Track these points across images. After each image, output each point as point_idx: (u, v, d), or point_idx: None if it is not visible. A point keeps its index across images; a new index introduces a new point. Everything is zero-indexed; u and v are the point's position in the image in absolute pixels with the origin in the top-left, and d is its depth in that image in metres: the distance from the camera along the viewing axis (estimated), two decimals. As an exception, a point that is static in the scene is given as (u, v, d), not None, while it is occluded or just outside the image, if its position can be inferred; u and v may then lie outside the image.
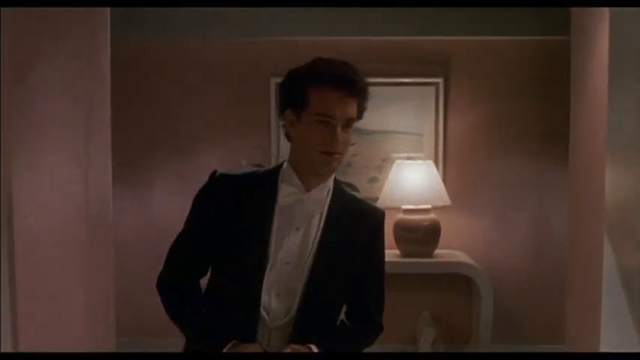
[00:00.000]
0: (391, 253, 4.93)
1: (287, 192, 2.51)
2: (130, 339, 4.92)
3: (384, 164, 5.14)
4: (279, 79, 4.99)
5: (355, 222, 2.59)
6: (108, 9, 3.78)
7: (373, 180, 5.16)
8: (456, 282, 5.07)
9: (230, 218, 2.51)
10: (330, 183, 2.59)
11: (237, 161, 5.03)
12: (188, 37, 5.11)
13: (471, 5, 4.65)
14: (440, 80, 5.13)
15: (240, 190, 2.53)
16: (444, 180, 5.08)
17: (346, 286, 2.60)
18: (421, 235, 4.84)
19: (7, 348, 2.75)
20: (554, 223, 5.10)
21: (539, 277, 5.13)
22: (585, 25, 3.60)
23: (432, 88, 5.14)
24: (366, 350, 2.73)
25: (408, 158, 4.98)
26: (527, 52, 5.07)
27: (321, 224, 2.54)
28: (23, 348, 2.79)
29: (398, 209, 4.92)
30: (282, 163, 2.58)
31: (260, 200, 2.52)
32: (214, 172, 2.56)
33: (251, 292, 2.50)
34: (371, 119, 5.09)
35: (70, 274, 3.25)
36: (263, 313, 2.51)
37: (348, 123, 2.47)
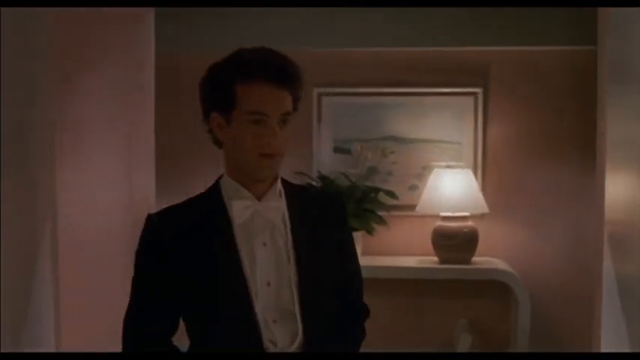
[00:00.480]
0: (429, 260, 5.01)
1: (240, 207, 2.22)
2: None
3: (423, 172, 5.21)
4: (322, 90, 5.27)
5: (318, 213, 2.36)
6: (152, 22, 3.93)
7: (413, 188, 5.24)
8: (494, 289, 5.11)
9: (188, 259, 2.21)
10: (279, 182, 2.35)
11: (279, 169, 5.14)
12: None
13: (479, 5, 4.71)
14: (479, 90, 5.20)
15: (187, 224, 2.25)
16: (483, 188, 5.14)
17: (334, 283, 2.38)
18: (459, 242, 4.91)
19: (50, 345, 2.83)
20: (592, 230, 5.12)
21: (576, 284, 5.16)
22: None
23: (471, 98, 5.21)
24: (364, 350, 2.60)
25: (448, 167, 5.05)
26: (565, 62, 5.12)
27: (288, 231, 2.29)
28: (66, 345, 2.90)
29: (436, 216, 4.99)
30: (218, 180, 2.33)
31: (213, 226, 2.25)
32: (149, 217, 2.28)
33: (247, 328, 2.22)
34: (411, 128, 5.19)
35: (113, 273, 3.37)
36: (269, 345, 2.24)
37: (284, 118, 2.22)
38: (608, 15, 3.50)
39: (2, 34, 2.40)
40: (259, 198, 2.26)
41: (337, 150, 5.30)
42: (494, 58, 5.21)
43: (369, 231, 5.01)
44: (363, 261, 4.93)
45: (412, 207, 5.07)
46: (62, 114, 2.91)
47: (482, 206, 4.97)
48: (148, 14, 3.99)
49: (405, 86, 5.19)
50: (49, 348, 2.79)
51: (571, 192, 5.18)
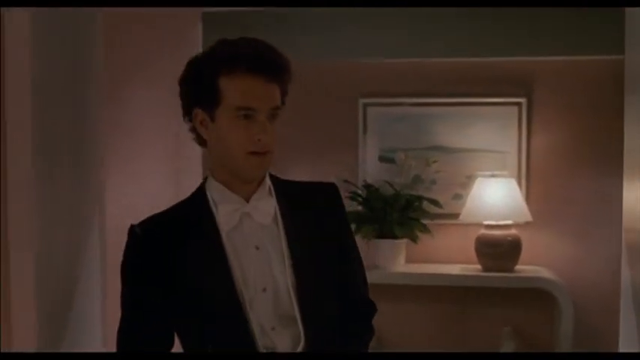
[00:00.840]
0: (473, 268, 5.05)
1: (227, 211, 2.09)
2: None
3: (468, 182, 5.26)
4: (368, 100, 5.35)
5: (311, 207, 2.21)
6: (200, 32, 4.06)
7: (457, 197, 5.28)
8: (537, 297, 5.14)
9: (175, 271, 2.09)
10: (267, 179, 2.20)
11: (325, 177, 5.24)
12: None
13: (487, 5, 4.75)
14: (523, 100, 5.23)
15: (172, 233, 2.11)
16: (527, 197, 5.18)
17: (335, 280, 2.24)
18: (502, 250, 4.94)
19: (98, 346, 2.90)
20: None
21: (619, 292, 5.15)
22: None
23: (515, 108, 5.24)
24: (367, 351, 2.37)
25: (492, 176, 5.09)
26: (608, 71, 5.13)
27: (281, 231, 2.14)
28: (111, 346, 2.99)
29: (480, 225, 5.04)
30: (203, 183, 2.18)
31: (199, 235, 2.11)
32: (132, 228, 2.15)
33: (241, 338, 2.09)
34: (456, 138, 5.25)
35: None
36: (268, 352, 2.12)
37: (273, 113, 2.10)
38: (632, 24, 3.53)
39: (56, 38, 2.51)
40: (247, 199, 2.11)
41: (382, 159, 5.37)
42: (538, 68, 5.25)
43: (413, 239, 5.08)
44: (408, 269, 5.08)
45: (456, 215, 5.12)
46: (113, 121, 3.02)
47: (525, 215, 5.00)
48: (197, 26, 4.11)
49: (450, 96, 5.26)
50: (96, 346, 2.86)
51: (614, 200, 5.18)
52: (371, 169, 5.38)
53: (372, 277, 5.00)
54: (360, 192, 5.17)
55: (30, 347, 2.31)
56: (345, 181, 5.14)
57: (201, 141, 2.13)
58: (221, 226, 2.10)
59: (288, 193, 2.18)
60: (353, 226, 4.97)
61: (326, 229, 2.21)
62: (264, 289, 2.11)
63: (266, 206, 2.13)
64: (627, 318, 3.20)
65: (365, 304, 2.36)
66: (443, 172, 5.28)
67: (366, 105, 5.40)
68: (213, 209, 2.11)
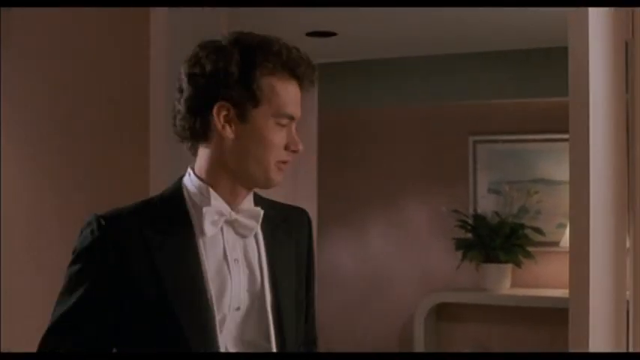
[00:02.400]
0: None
1: (212, 218, 1.83)
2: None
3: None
4: (477, 137, 5.87)
5: (288, 228, 2.00)
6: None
7: (560, 226, 5.69)
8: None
9: (142, 275, 1.80)
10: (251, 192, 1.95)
11: (438, 207, 5.82)
12: (391, 105, 6.02)
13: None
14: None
15: (143, 231, 1.82)
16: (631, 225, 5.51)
17: (304, 307, 2.04)
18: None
19: None
20: None
21: None
22: None
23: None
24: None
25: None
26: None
27: (261, 247, 1.91)
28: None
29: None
30: (179, 184, 1.91)
31: (174, 237, 1.84)
32: (97, 219, 1.83)
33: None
34: (557, 171, 5.68)
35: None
36: None
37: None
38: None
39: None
40: (233, 208, 1.87)
41: (490, 191, 5.88)
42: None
43: (517, 264, 5.54)
44: (513, 291, 5.53)
45: (554, 244, 5.53)
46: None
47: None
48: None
49: (551, 133, 5.69)
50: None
51: None
52: (480, 201, 5.89)
53: (479, 298, 5.56)
54: (468, 220, 5.68)
55: None
56: (455, 210, 5.68)
57: (203, 135, 1.84)
58: (198, 232, 1.84)
59: (266, 209, 1.92)
60: (460, 252, 5.54)
61: (299, 252, 2.02)
62: (238, 308, 1.86)
63: (252, 218, 1.88)
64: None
65: (315, 338, 2.20)
66: (545, 202, 5.72)
67: (475, 142, 5.93)
68: (191, 211, 1.86)
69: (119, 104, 3.47)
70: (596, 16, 2.58)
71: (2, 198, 3.62)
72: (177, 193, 1.89)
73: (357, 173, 6.18)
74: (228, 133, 1.82)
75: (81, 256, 1.84)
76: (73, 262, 1.85)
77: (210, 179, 1.87)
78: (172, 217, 1.86)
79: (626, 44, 2.76)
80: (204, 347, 1.80)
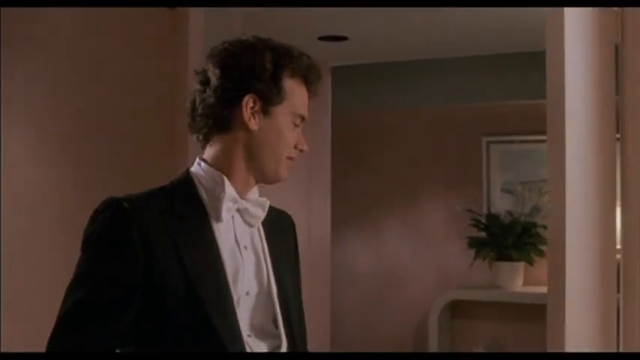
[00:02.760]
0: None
1: (228, 205, 1.91)
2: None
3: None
4: (490, 138, 5.97)
5: (281, 227, 2.11)
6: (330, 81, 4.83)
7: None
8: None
9: (162, 260, 1.83)
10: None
11: (452, 207, 5.93)
12: (404, 108, 6.13)
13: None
14: (632, 135, 5.69)
15: (160, 216, 1.87)
16: None
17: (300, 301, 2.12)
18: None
19: None
20: None
21: None
22: None
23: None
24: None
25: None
26: None
27: (262, 236, 2.01)
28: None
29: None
30: (187, 173, 1.98)
31: (191, 224, 1.90)
32: (117, 201, 1.86)
33: (233, 343, 1.87)
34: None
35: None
36: None
37: None
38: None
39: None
40: (242, 197, 1.96)
41: (504, 190, 5.98)
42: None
43: (529, 262, 5.63)
44: (525, 289, 5.62)
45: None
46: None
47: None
48: (327, 76, 4.90)
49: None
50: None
51: None
52: (494, 200, 5.99)
53: (493, 296, 5.65)
54: (482, 220, 5.78)
55: None
56: (469, 210, 5.78)
57: (225, 124, 1.94)
58: (213, 218, 1.92)
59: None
60: (473, 250, 5.64)
61: (290, 251, 2.14)
62: (248, 293, 1.94)
63: (260, 207, 1.98)
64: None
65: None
66: (557, 201, 5.79)
67: (488, 143, 6.03)
68: (204, 198, 1.92)
69: (147, 110, 3.57)
70: (578, 18, 2.67)
71: (30, 198, 3.72)
72: (188, 181, 1.95)
73: (372, 174, 6.30)
74: (253, 124, 1.92)
75: (101, 239, 1.84)
76: (91, 246, 1.85)
77: (226, 169, 1.94)
78: (188, 202, 1.91)
79: (617, 47, 2.87)
80: (227, 329, 1.85)
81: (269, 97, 1.92)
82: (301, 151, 2.00)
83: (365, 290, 6.33)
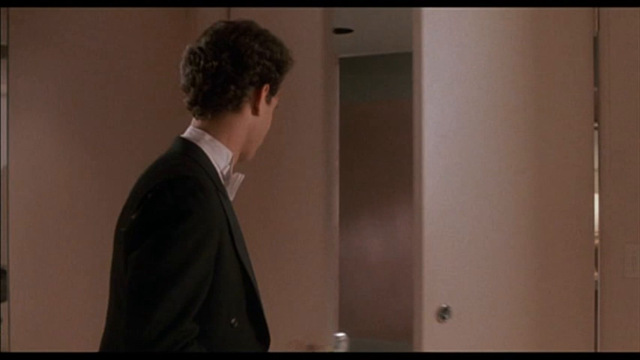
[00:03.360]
0: None
1: (237, 181, 2.04)
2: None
3: None
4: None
5: None
6: (337, 72, 4.86)
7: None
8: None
9: (224, 235, 1.87)
10: None
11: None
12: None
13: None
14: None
15: (218, 195, 1.91)
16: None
17: None
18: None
19: None
20: None
21: None
22: None
23: None
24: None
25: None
26: None
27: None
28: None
29: None
30: (199, 148, 1.98)
31: (228, 201, 1.98)
32: (194, 177, 1.86)
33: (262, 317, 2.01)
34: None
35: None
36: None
37: None
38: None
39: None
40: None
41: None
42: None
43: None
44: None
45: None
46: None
47: None
48: (335, 67, 4.95)
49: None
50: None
51: None
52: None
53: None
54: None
55: None
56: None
57: (238, 104, 2.00)
58: (233, 193, 2.03)
59: None
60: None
61: None
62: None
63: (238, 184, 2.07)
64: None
65: None
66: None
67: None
68: (220, 175, 1.98)
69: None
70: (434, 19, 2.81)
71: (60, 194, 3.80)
72: (203, 155, 1.96)
73: (381, 162, 6.36)
74: (261, 110, 2.02)
75: (187, 222, 1.78)
76: (175, 227, 1.77)
77: (232, 147, 2.01)
78: (217, 178, 1.95)
79: (595, 39, 2.94)
80: (261, 306, 1.97)
81: (275, 87, 2.05)
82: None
83: (379, 278, 6.36)
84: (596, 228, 2.93)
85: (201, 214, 1.78)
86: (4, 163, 3.82)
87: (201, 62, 1.96)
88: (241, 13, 3.28)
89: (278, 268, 3.17)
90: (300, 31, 3.27)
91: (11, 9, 3.75)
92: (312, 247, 3.27)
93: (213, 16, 3.06)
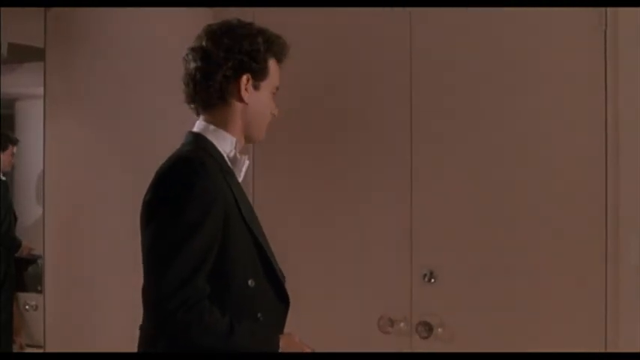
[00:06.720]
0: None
1: (244, 165, 2.30)
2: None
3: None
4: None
5: None
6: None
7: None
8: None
9: (232, 210, 2.14)
10: None
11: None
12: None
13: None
14: None
15: (222, 173, 2.19)
16: None
17: None
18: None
19: None
20: None
21: None
22: None
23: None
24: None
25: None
26: None
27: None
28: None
29: None
30: (200, 137, 2.25)
31: (235, 179, 2.25)
32: (195, 158, 2.15)
33: (283, 281, 2.28)
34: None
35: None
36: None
37: None
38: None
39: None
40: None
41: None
42: None
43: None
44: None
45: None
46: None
47: None
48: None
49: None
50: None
51: None
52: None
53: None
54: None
55: None
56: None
57: (227, 100, 2.24)
58: (241, 174, 2.28)
59: None
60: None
61: None
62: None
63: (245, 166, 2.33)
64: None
65: None
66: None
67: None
68: (227, 159, 2.25)
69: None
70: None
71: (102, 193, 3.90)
72: (208, 142, 2.23)
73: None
74: (247, 97, 2.24)
75: (192, 192, 2.05)
76: (184, 203, 2.04)
77: (235, 133, 2.28)
78: (223, 161, 2.22)
79: (605, 34, 2.99)
80: (277, 268, 2.23)
81: (259, 75, 2.26)
82: (274, 115, 2.36)
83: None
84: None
85: (204, 186, 2.06)
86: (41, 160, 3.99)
87: (187, 65, 2.25)
88: (263, 14, 3.41)
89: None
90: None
91: (48, 13, 3.88)
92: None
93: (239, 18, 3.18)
